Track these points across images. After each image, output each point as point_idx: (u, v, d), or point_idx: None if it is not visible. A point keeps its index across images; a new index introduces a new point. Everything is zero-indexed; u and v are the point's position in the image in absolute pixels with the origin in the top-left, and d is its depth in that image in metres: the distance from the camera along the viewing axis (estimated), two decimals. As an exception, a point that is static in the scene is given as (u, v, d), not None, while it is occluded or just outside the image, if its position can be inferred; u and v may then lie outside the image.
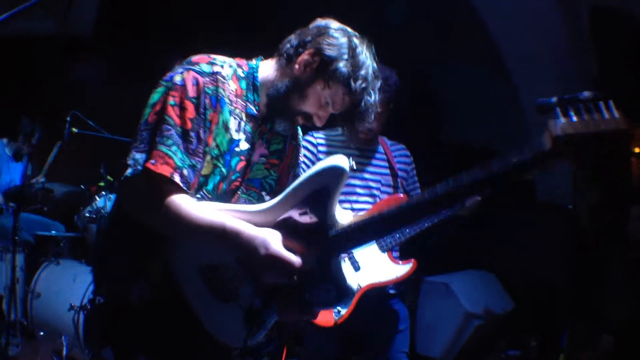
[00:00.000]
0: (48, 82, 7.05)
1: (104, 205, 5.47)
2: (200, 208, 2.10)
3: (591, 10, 6.13)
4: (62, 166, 6.70)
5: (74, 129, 5.61)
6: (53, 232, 6.09)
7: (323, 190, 2.10)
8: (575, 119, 1.76)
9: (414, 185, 3.92)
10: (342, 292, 2.17)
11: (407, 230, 3.58)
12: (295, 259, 2.04)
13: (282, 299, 2.15)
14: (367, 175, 3.72)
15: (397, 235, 3.57)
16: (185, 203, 2.08)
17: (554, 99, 2.60)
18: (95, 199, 5.58)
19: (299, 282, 2.10)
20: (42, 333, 5.28)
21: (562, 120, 1.78)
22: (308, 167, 3.58)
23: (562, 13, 6.25)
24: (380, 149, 3.84)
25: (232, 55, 2.42)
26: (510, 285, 6.27)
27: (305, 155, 3.64)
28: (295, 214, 2.13)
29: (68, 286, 5.18)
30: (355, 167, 2.18)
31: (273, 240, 2.04)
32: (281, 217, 2.14)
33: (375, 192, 3.70)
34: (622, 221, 4.40)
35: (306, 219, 2.13)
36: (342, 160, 2.10)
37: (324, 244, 2.12)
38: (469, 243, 6.39)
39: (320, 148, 3.68)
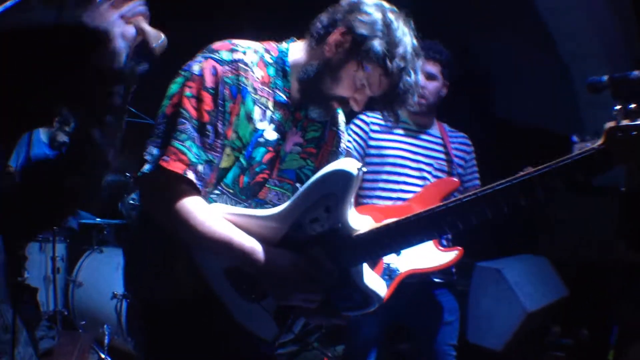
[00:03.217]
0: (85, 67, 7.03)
1: (147, 193, 5.44)
2: (209, 217, 2.03)
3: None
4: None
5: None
6: (98, 219, 6.08)
7: (331, 196, 2.00)
8: (632, 110, 1.69)
9: (472, 176, 3.82)
10: (367, 298, 2.12)
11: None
12: (303, 281, 2.00)
13: (307, 308, 2.10)
14: (420, 158, 3.62)
15: None
16: (195, 210, 2.02)
17: (605, 78, 2.52)
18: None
19: (323, 290, 2.05)
20: (83, 322, 5.30)
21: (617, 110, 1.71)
22: (359, 145, 3.57)
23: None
24: (437, 133, 3.75)
25: (267, 39, 2.29)
26: (564, 271, 6.10)
27: (356, 134, 3.58)
28: (305, 221, 2.05)
29: (110, 274, 5.20)
30: (365, 170, 2.09)
31: (280, 264, 2.01)
32: (290, 224, 2.07)
33: (427, 175, 3.60)
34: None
35: (317, 226, 2.05)
36: (349, 164, 1.99)
37: (341, 253, 2.04)
38: (522, 227, 6.25)
39: (373, 127, 3.60)
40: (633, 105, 1.69)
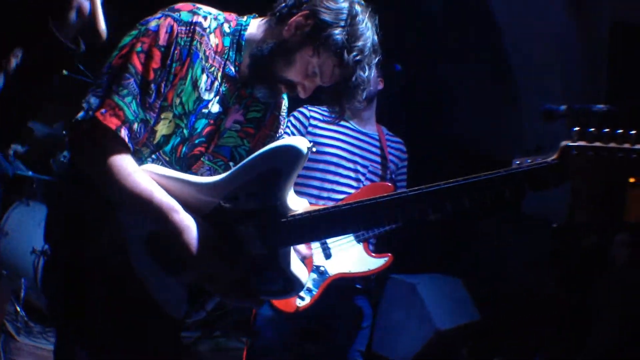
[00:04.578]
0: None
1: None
2: (133, 174, 1.98)
3: (612, 25, 6.10)
4: (47, 107, 6.58)
5: (64, 71, 5.51)
6: (30, 172, 5.99)
7: (276, 171, 1.96)
8: (591, 133, 1.73)
9: (400, 184, 3.86)
10: (289, 283, 2.07)
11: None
12: (214, 257, 1.96)
13: (222, 284, 2.03)
14: (357, 158, 3.65)
15: None
16: (121, 166, 1.97)
17: (563, 107, 2.56)
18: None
19: (243, 269, 2.01)
20: (5, 272, 5.23)
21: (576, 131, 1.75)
22: None
23: (578, 24, 6.22)
24: (376, 135, 3.78)
25: (230, 9, 2.27)
26: (479, 295, 6.15)
27: (294, 126, 3.58)
28: (241, 195, 2.00)
29: (33, 229, 5.16)
30: (315, 150, 2.07)
31: (192, 232, 1.96)
32: (226, 196, 2.02)
33: (361, 176, 3.64)
34: (606, 246, 4.37)
35: (252, 201, 2.00)
36: (300, 141, 1.96)
37: (273, 232, 2.00)
38: (442, 245, 6.34)
39: (313, 122, 3.62)
40: (592, 129, 1.73)
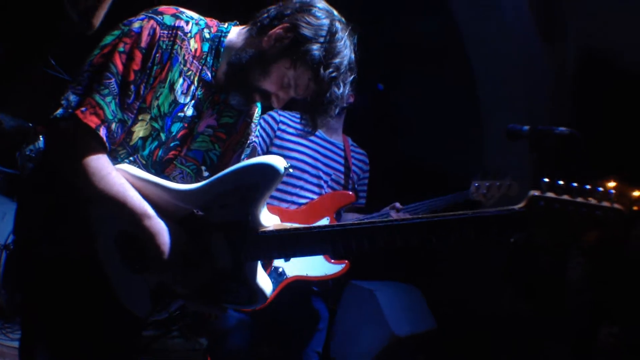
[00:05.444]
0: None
1: (46, 148, 5.36)
2: (109, 174, 2.00)
3: (580, 50, 6.18)
4: (16, 99, 6.54)
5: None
6: (-5, 165, 5.95)
7: (252, 187, 2.00)
8: (559, 186, 1.76)
9: (360, 194, 3.94)
10: (253, 295, 2.10)
11: None
12: (181, 263, 1.99)
13: (187, 289, 2.07)
14: (320, 165, 3.72)
15: None
16: (97, 166, 1.98)
17: (527, 127, 2.60)
18: (39, 139, 5.46)
19: (209, 277, 2.04)
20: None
21: (545, 182, 1.77)
22: (264, 142, 3.59)
23: (546, 47, 6.32)
24: (342, 145, 3.85)
25: (211, 15, 2.30)
26: (435, 305, 6.23)
27: (263, 129, 3.62)
28: (215, 205, 2.04)
29: (-4, 223, 5.08)
30: (291, 171, 2.09)
31: (163, 235, 1.99)
32: (200, 205, 2.06)
33: (324, 183, 3.70)
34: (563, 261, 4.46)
35: (225, 213, 2.04)
36: (278, 161, 1.99)
37: (241, 246, 2.03)
38: (403, 254, 6.38)
39: (282, 126, 3.67)
40: (561, 182, 1.75)
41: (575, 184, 1.75)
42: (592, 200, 1.73)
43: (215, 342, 3.63)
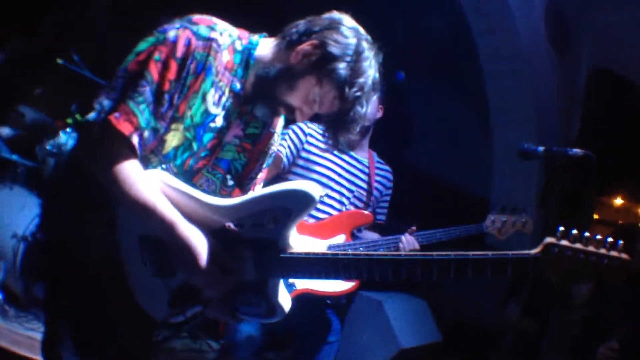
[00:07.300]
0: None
1: (66, 143, 5.44)
2: (140, 181, 2.02)
3: (591, 70, 6.18)
4: (38, 94, 6.61)
5: (59, 60, 5.57)
6: (14, 156, 6.02)
7: (286, 211, 2.04)
8: (573, 235, 1.90)
9: (381, 210, 3.96)
10: (272, 310, 2.16)
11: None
12: (213, 270, 2.01)
13: (209, 298, 2.10)
14: (344, 182, 3.73)
15: None
16: (129, 172, 2.01)
17: (541, 148, 2.67)
18: (59, 134, 5.55)
19: (233, 288, 2.08)
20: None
21: (560, 231, 1.90)
22: (291, 153, 3.60)
23: (559, 65, 6.34)
24: (366, 162, 3.86)
25: (238, 25, 2.32)
26: (441, 318, 6.28)
27: (291, 140, 3.63)
28: (248, 223, 2.08)
29: (15, 213, 5.11)
30: (325, 197, 2.13)
31: (195, 244, 2.01)
32: (231, 220, 2.09)
33: (345, 200, 3.71)
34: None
35: (257, 231, 2.07)
36: (315, 189, 2.04)
37: (268, 263, 2.08)
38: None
39: (310, 139, 3.68)
40: (575, 232, 1.89)
41: (587, 234, 1.88)
42: (602, 250, 1.87)
43: (224, 353, 3.74)
